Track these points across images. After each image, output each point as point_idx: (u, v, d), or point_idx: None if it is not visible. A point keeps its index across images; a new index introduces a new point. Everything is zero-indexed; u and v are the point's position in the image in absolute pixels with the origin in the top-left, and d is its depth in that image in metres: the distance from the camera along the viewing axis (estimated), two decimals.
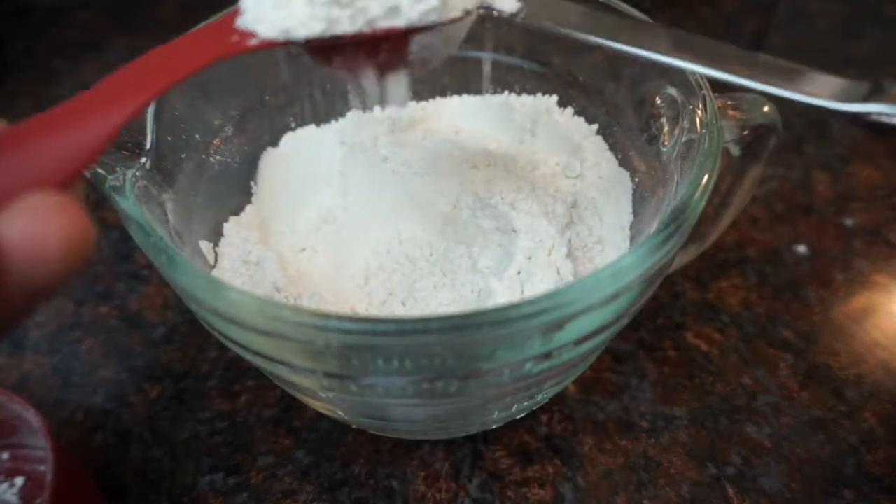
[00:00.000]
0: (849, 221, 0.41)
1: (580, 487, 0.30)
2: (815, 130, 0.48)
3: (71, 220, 0.14)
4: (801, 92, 0.20)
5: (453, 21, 0.21)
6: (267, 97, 0.35)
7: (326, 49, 0.20)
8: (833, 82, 0.20)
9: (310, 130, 0.36)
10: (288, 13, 0.19)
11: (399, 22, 0.20)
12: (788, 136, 0.47)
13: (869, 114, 0.19)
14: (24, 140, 0.15)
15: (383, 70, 0.22)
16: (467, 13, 0.22)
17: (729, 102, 0.26)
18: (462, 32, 0.23)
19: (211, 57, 0.19)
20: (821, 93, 0.19)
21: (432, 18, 0.20)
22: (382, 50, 0.21)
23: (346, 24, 0.20)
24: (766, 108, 0.26)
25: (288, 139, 0.36)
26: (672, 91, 0.28)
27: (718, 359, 0.35)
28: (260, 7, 0.20)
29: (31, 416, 0.27)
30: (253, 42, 0.20)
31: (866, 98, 0.19)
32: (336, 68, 0.22)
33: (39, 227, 0.14)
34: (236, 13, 0.21)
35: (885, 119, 0.18)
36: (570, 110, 0.35)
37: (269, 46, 0.20)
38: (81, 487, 0.28)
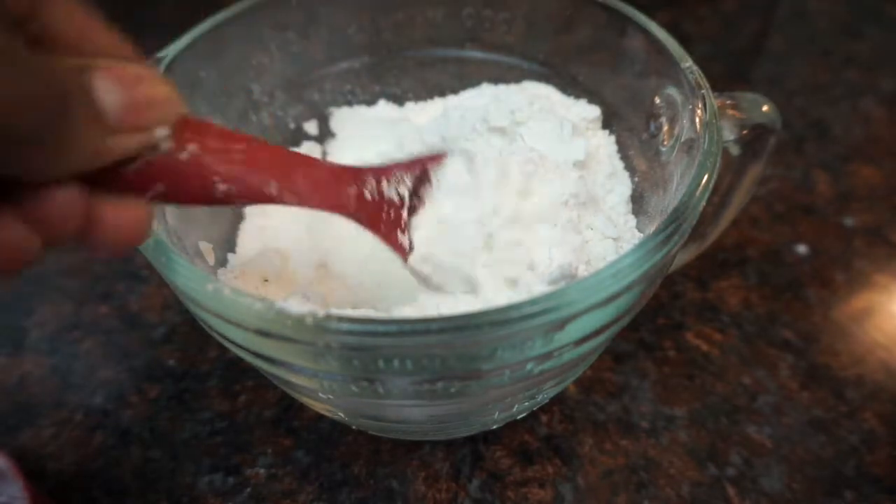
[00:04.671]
0: (849, 221, 0.41)
1: (580, 487, 0.30)
2: (815, 130, 0.48)
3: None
4: None
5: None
6: (265, 98, 0.35)
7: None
8: None
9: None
10: None
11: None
12: (788, 136, 0.47)
13: None
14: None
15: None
16: None
17: (729, 102, 0.26)
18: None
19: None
20: None
21: None
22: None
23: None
24: (765, 108, 0.26)
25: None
26: (672, 91, 0.28)
27: (718, 359, 0.35)
28: None
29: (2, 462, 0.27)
30: None
31: None
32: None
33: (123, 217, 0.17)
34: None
35: None
36: None
37: None
38: None
